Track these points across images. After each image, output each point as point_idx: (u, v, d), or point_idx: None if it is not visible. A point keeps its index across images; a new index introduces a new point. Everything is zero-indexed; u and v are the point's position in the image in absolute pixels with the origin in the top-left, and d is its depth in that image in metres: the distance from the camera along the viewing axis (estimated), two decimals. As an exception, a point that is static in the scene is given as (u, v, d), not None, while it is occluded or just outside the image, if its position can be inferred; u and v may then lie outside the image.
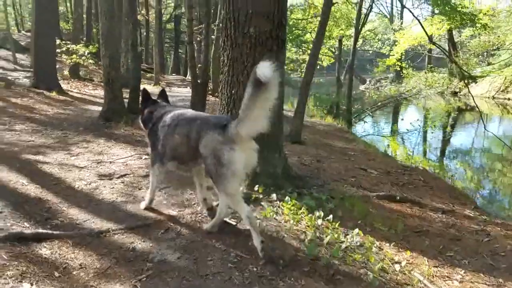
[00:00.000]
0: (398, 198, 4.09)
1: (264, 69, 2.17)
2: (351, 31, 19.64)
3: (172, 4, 32.60)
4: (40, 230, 2.79)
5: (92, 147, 5.32)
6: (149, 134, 3.18)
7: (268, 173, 3.84)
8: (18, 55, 17.40)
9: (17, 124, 6.65)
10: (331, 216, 3.12)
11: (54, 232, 2.77)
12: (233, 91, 3.80)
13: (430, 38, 17.73)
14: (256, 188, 3.61)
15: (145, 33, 34.35)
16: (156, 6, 21.19)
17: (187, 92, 16.13)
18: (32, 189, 3.62)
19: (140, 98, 3.52)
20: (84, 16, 22.70)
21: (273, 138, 3.83)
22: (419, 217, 3.75)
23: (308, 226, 3.04)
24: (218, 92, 11.93)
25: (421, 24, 14.73)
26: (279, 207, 3.37)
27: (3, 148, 4.99)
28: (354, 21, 14.85)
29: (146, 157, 4.91)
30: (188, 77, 26.73)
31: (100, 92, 12.77)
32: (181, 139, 2.83)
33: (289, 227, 3.00)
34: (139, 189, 3.85)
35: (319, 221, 3.08)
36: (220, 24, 11.28)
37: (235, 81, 3.77)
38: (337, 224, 3.04)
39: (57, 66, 14.90)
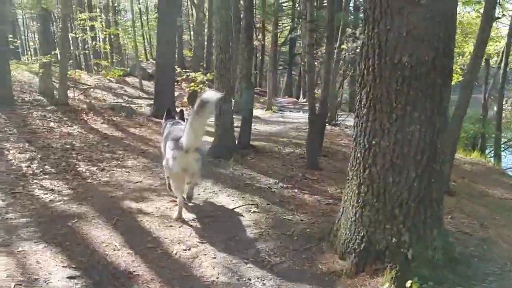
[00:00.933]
0: None
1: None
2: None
3: (288, 27, 32.71)
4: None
5: (198, 193, 4.72)
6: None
7: (426, 260, 2.69)
8: (144, 82, 18.74)
9: (129, 159, 6.51)
10: None
11: None
12: (373, 141, 2.77)
13: None
14: (408, 284, 2.50)
15: (260, 57, 35.18)
16: (273, 30, 21.13)
17: (300, 117, 15.36)
18: (124, 257, 3.04)
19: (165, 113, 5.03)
20: (206, 43, 23.87)
21: (429, 206, 2.70)
22: None
23: None
24: (333, 120, 10.90)
25: None
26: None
27: (108, 192, 4.68)
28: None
29: (256, 210, 4.11)
30: (301, 100, 26.22)
31: None
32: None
33: None
34: (245, 263, 3.02)
35: None
36: (343, 46, 10.43)
37: (377, 128, 2.74)
38: None
39: (178, 94, 15.62)
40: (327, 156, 6.62)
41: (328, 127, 10.03)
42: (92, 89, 13.58)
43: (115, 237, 3.36)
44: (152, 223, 3.74)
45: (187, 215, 3.95)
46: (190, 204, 4.28)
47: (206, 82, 15.95)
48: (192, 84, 14.77)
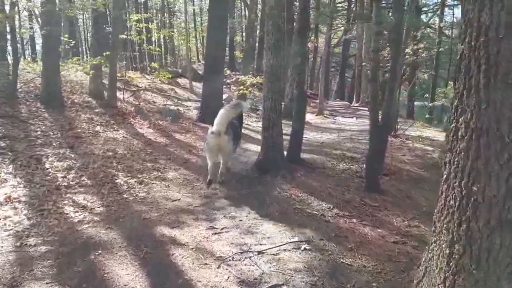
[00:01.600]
0: None
1: None
2: None
3: (342, 28, 31.57)
4: None
5: (240, 218, 4.14)
6: None
7: None
8: (195, 84, 18.61)
9: (171, 169, 6.09)
10: None
11: None
12: (474, 187, 2.04)
13: None
14: None
15: (312, 59, 34.28)
16: (327, 31, 20.26)
17: (353, 123, 14.45)
18: (146, 307, 2.52)
19: None
20: (257, 45, 23.45)
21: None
22: None
23: None
24: (392, 130, 9.91)
25: None
26: None
27: (142, 212, 4.23)
28: None
29: (307, 247, 3.46)
30: (354, 104, 25.05)
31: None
32: None
33: None
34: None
35: None
36: (407, 49, 9.48)
37: (481, 171, 2.01)
38: None
39: (226, 96, 15.25)
40: (389, 176, 5.80)
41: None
42: (142, 91, 13.53)
43: (140, 278, 2.86)
44: (185, 258, 3.20)
45: (225, 249, 3.38)
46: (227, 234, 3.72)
47: (256, 85, 15.48)
48: (242, 87, 14.35)
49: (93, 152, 6.59)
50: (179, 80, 19.29)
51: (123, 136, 7.96)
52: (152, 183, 5.36)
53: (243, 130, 11.17)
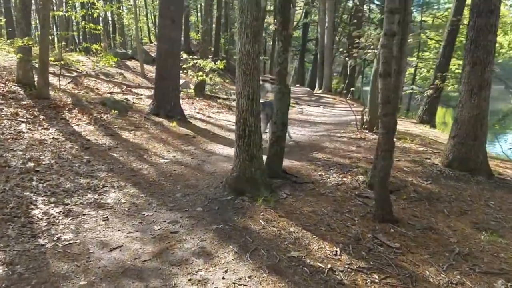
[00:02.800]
0: None
1: None
2: None
3: (300, 11, 30.32)
4: None
5: (217, 274, 2.78)
6: None
7: None
8: (146, 67, 16.74)
9: (113, 188, 4.58)
10: None
11: None
12: None
13: None
14: None
15: (271, 42, 32.90)
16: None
17: (321, 113, 13.39)
18: None
19: None
20: (213, 25, 21.70)
21: None
22: None
23: None
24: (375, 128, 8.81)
25: None
26: None
27: (59, 281, 2.74)
28: None
29: None
30: (317, 90, 23.94)
31: (226, 117, 10.78)
32: None
33: None
34: None
35: None
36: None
37: None
38: None
39: (182, 81, 13.59)
40: (394, 192, 4.64)
41: (371, 136, 8.02)
42: (84, 77, 11.58)
43: None
44: None
45: None
46: None
47: (216, 72, 13.91)
48: (200, 73, 12.78)
49: (8, 164, 4.92)
50: (128, 63, 17.26)
51: (53, 138, 6.25)
52: (84, 215, 3.85)
53: (205, 125, 9.72)
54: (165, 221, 3.76)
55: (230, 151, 6.39)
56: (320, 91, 23.43)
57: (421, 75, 21.76)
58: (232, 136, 7.70)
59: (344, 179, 5.07)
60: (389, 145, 3.82)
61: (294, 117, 12.20)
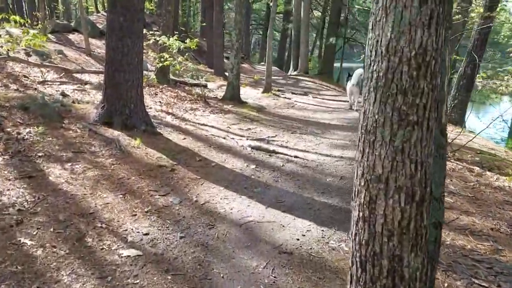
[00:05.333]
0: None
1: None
2: None
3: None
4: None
5: None
6: None
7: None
8: (93, 41, 13.41)
9: None
10: None
11: None
12: None
13: None
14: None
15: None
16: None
17: (316, 107, 10.69)
18: None
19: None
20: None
21: None
22: None
23: None
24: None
25: None
26: None
27: None
28: None
29: None
30: (292, 72, 21.31)
31: (207, 118, 7.80)
32: None
33: None
34: None
35: None
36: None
37: None
38: None
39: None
40: None
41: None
42: (5, 61, 8.19)
43: None
44: None
45: None
46: None
47: (187, 54, 10.89)
48: (165, 54, 9.70)
49: None
50: (71, 36, 13.67)
51: None
52: None
53: (183, 138, 6.46)
54: None
55: (246, 207, 3.81)
56: (295, 73, 20.86)
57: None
58: (233, 159, 5.06)
59: None
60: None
61: (289, 114, 9.63)
